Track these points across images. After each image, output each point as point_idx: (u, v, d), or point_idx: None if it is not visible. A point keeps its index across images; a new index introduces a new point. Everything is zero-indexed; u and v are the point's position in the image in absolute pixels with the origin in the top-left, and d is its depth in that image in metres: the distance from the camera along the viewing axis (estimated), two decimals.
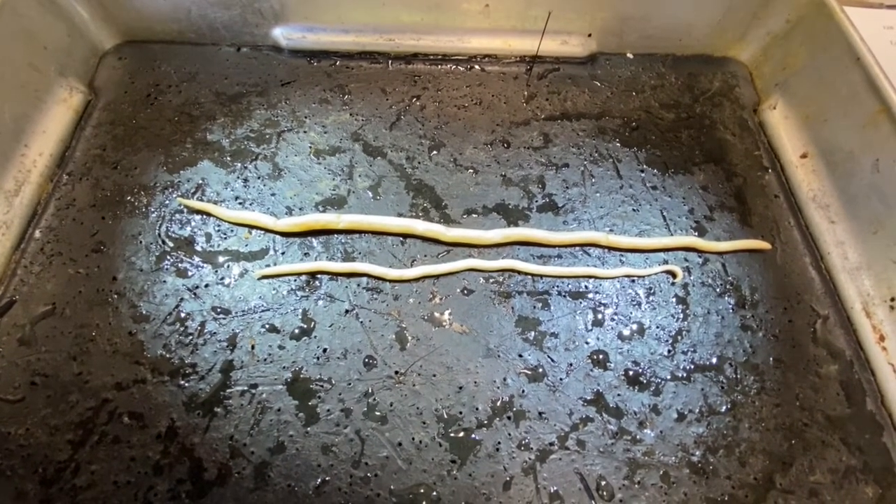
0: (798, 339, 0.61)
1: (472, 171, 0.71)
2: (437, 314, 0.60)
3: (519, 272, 0.62)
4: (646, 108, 0.78)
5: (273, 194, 0.67)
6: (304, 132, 0.72)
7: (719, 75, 0.83)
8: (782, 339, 0.61)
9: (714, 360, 0.59)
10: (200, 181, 0.67)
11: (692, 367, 0.59)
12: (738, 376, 0.58)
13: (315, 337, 0.58)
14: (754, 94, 0.81)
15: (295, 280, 0.61)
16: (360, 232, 0.64)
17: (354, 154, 0.71)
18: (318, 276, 0.61)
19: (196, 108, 0.74)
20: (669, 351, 0.59)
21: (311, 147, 0.71)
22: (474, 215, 0.67)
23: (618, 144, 0.74)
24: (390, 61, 0.80)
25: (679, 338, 0.60)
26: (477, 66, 0.80)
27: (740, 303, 0.63)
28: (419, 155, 0.71)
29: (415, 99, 0.76)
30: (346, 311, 0.59)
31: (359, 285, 0.61)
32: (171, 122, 0.72)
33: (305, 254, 0.63)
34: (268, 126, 0.73)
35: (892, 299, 0.59)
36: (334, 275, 0.61)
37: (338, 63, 0.79)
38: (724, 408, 0.57)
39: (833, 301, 0.64)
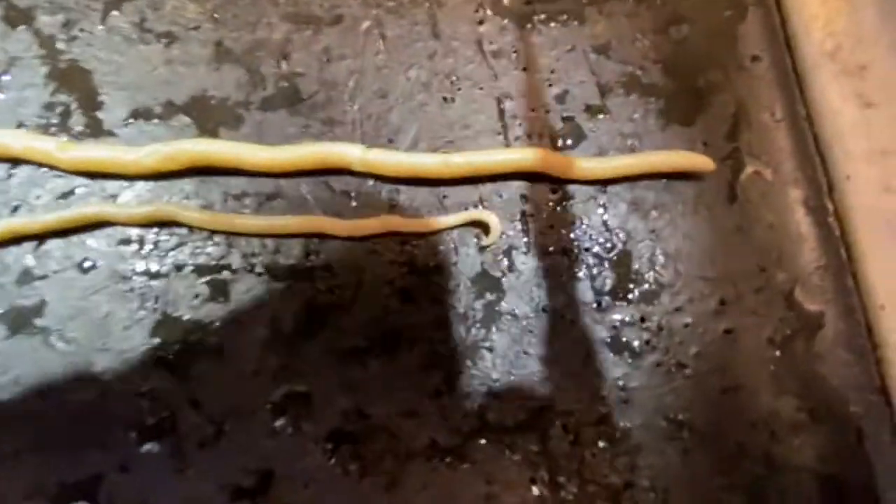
0: (740, 375, 0.27)
1: (165, 40, 0.38)
2: (21, 307, 0.32)
3: (182, 224, 0.33)
4: None
5: None
6: None
7: None
8: (701, 373, 0.28)
9: (524, 416, 0.27)
10: None
11: (478, 425, 0.28)
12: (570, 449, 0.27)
13: None
14: None
15: None
16: None
17: None
18: None
19: None
20: (439, 393, 0.28)
21: None
22: (146, 121, 0.36)
23: None
24: None
25: (465, 366, 0.28)
26: None
27: (619, 291, 0.29)
28: (86, 18, 0.39)
29: None
30: None
31: None
32: None
33: None
34: None
35: None
36: None
37: None
38: None
39: (839, 290, 0.28)
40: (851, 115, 0.28)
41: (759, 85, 0.32)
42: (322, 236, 0.31)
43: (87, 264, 0.32)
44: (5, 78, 0.37)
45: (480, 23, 0.36)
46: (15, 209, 0.34)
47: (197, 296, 0.30)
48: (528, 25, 0.35)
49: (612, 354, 0.27)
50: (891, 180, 0.27)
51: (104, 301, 0.31)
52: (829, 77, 0.29)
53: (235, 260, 0.31)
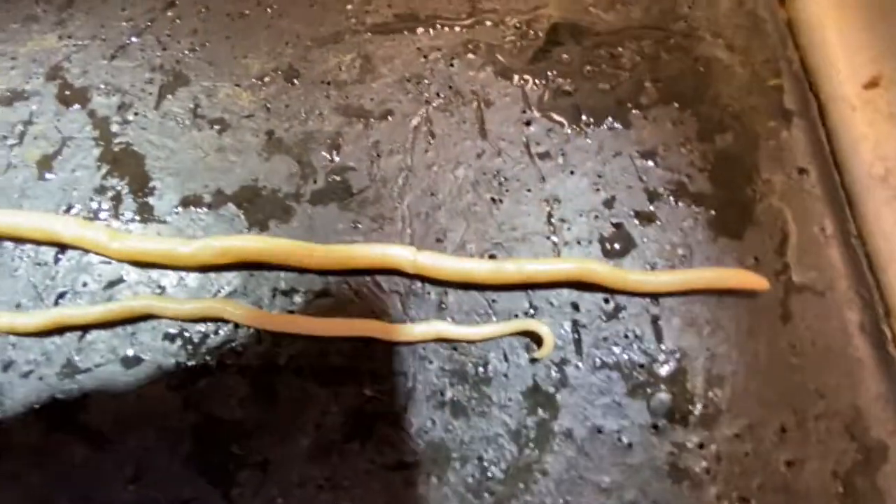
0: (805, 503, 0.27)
1: (218, 126, 0.39)
2: (62, 402, 0.30)
3: (230, 321, 0.32)
4: (566, 4, 0.42)
5: None
6: None
7: None
8: (768, 497, 0.27)
9: None
10: None
11: None
12: None
13: None
14: None
15: None
16: None
17: (42, 101, 0.41)
18: None
19: None
20: None
21: None
22: (196, 209, 0.36)
23: (492, 73, 0.39)
24: None
25: (518, 490, 0.27)
26: None
27: (676, 413, 0.28)
28: (141, 101, 0.40)
29: (168, 7, 0.45)
30: None
31: None
32: None
33: None
34: None
35: None
36: None
37: None
38: None
39: None
40: None
41: (806, 198, 0.32)
42: (371, 339, 0.31)
43: (131, 359, 0.31)
44: (56, 160, 0.38)
45: (528, 124, 0.36)
46: (61, 296, 0.34)
47: (242, 399, 0.29)
48: (575, 127, 0.36)
49: (671, 483, 0.26)
50: None
51: (146, 399, 0.30)
52: (882, 202, 0.29)
53: (282, 360, 0.30)
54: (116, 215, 0.35)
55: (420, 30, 0.40)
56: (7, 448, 0.29)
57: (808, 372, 0.28)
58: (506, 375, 0.29)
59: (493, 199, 0.34)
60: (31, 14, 0.44)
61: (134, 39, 0.42)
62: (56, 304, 0.33)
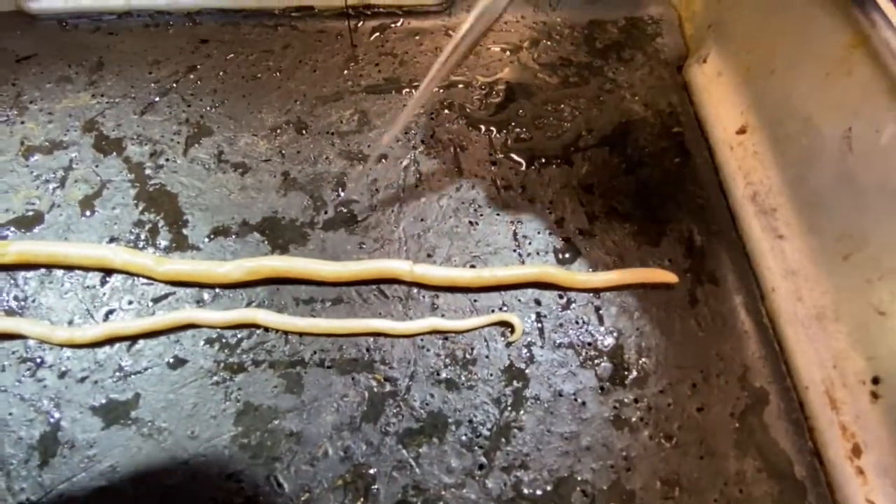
0: (712, 443, 0.35)
1: (240, 170, 0.46)
2: (116, 401, 0.36)
3: (261, 326, 0.38)
4: (519, 70, 0.52)
5: None
6: (22, 123, 0.48)
7: (635, 21, 0.56)
8: (684, 442, 0.35)
9: (551, 486, 0.34)
10: None
11: (514, 495, 0.33)
12: None
13: None
14: (682, 45, 0.53)
15: None
16: (39, 266, 0.41)
17: (80, 150, 0.47)
18: None
19: None
20: (482, 467, 0.34)
21: (22, 143, 0.48)
22: (225, 237, 0.42)
23: (464, 125, 0.48)
24: (171, 21, 0.55)
25: (501, 444, 0.35)
26: (286, 24, 0.55)
27: (616, 378, 0.37)
28: (171, 149, 0.47)
29: (190, 71, 0.52)
30: None
31: (13, 353, 0.38)
32: None
33: None
34: None
35: (875, 381, 0.32)
36: None
37: (102, 27, 0.55)
38: None
39: (776, 374, 0.36)
40: (769, 244, 0.38)
41: (703, 217, 0.42)
42: (378, 335, 0.37)
43: (176, 361, 0.36)
44: (98, 200, 0.43)
45: (494, 164, 0.45)
46: (109, 313, 0.39)
47: (275, 387, 0.35)
48: (531, 167, 0.45)
49: (615, 430, 0.33)
50: (801, 293, 0.36)
51: (192, 394, 0.35)
52: (751, 214, 0.39)
53: (307, 355, 0.36)
54: (154, 245, 0.41)
55: (405, 91, 0.49)
56: (70, 443, 0.33)
57: (710, 342, 0.37)
58: (487, 357, 0.36)
59: (470, 223, 0.42)
60: (65, 75, 0.50)
61: (161, 98, 0.49)
62: (105, 320, 0.38)
